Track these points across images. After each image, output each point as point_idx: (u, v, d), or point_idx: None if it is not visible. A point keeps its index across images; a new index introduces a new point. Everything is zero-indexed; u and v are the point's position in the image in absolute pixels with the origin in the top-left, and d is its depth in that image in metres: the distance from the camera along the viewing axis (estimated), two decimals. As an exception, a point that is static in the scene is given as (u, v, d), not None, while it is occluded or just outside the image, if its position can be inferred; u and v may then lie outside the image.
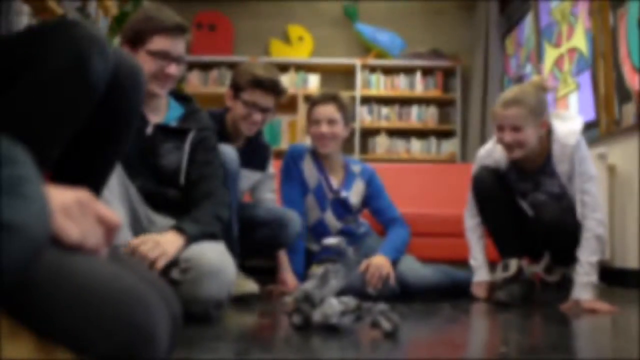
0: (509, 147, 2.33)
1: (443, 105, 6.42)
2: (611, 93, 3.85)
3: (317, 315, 1.48)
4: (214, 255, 1.67)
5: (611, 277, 3.64)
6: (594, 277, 2.23)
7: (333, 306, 1.48)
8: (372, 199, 2.86)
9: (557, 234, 2.35)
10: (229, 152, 2.24)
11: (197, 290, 1.58)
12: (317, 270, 1.59)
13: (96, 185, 1.23)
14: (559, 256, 2.54)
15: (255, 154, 2.62)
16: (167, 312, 0.81)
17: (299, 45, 6.42)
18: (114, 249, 0.85)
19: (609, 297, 2.70)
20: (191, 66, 6.20)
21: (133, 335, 0.73)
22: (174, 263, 1.65)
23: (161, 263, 1.59)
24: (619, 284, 3.54)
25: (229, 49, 6.36)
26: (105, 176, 1.27)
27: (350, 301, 1.52)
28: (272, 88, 2.44)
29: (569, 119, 2.42)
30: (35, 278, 0.67)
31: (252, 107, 2.43)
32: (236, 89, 2.47)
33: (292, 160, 2.77)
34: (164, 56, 1.90)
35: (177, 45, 1.93)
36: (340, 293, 2.51)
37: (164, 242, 1.64)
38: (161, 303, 0.81)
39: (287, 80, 6.26)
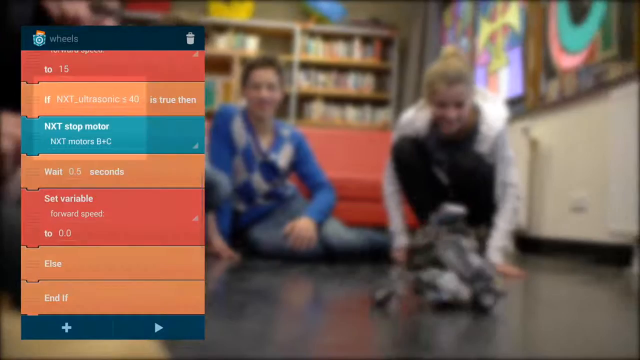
0: (449, 122, 2.39)
1: (380, 74, 6.48)
2: (539, 69, 3.99)
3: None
4: None
5: (526, 245, 3.82)
6: (507, 243, 2.39)
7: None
8: (301, 163, 2.88)
9: (473, 182, 2.42)
10: None
11: None
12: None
13: None
14: (472, 215, 2.64)
15: None
16: None
17: (239, 7, 6.32)
18: None
19: (523, 264, 2.84)
20: (126, 23, 6.01)
21: None
22: None
23: None
24: (534, 252, 3.73)
25: (165, 7, 6.19)
26: None
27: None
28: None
29: (491, 100, 2.51)
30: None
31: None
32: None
33: (221, 121, 2.75)
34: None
35: None
36: (268, 256, 2.56)
37: None
38: None
39: (224, 42, 6.18)
